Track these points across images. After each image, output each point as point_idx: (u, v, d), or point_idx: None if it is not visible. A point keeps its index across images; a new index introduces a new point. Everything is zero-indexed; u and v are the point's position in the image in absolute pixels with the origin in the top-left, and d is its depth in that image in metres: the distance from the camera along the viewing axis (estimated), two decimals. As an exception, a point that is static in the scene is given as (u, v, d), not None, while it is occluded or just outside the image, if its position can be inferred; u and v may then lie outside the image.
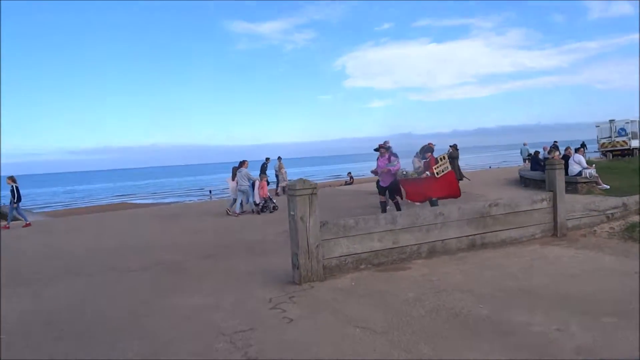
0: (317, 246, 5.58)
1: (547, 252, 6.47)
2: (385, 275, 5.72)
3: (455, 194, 10.57)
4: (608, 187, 13.39)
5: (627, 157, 29.20)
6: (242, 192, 13.68)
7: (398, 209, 10.23)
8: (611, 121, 31.38)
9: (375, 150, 10.64)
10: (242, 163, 13.94)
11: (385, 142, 10.76)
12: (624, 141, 30.65)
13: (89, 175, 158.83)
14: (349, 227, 5.86)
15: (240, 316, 4.57)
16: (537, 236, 7.20)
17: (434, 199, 10.58)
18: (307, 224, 5.52)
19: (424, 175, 11.10)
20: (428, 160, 10.76)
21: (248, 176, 13.74)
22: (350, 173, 28.87)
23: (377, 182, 10.82)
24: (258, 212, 13.56)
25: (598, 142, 32.85)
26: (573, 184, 13.58)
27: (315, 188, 5.61)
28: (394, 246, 6.15)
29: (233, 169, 14.11)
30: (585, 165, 13.69)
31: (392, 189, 10.47)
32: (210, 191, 40.68)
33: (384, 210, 10.22)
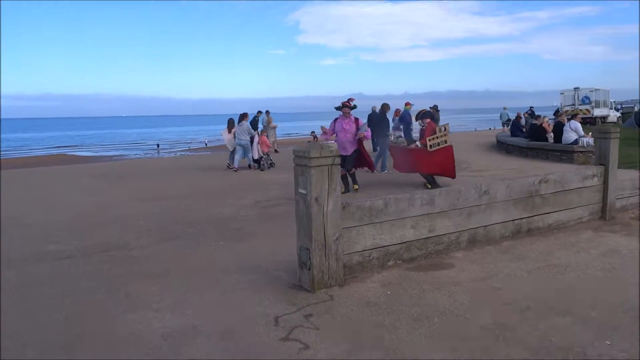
0: (336, 238, 3.92)
1: (610, 242, 5.14)
2: (426, 277, 4.18)
3: (449, 173, 9.04)
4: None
5: (587, 125, 29.10)
6: (242, 146, 13.21)
7: (354, 181, 8.97)
8: (576, 89, 31.05)
9: (337, 108, 8.66)
10: (243, 116, 13.32)
11: (349, 100, 8.65)
12: (587, 109, 30.45)
13: (27, 123, 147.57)
14: (376, 211, 4.23)
15: (235, 354, 2.91)
16: (584, 219, 5.87)
17: (423, 173, 9.18)
18: (325, 208, 3.83)
19: (413, 145, 9.63)
20: (424, 127, 9.21)
21: (249, 130, 13.29)
22: (314, 132, 26.89)
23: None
24: (259, 168, 13.30)
25: (560, 109, 32.66)
26: (569, 153, 12.57)
27: (337, 157, 3.90)
28: (430, 235, 4.59)
29: (229, 120, 13.70)
30: (582, 132, 12.65)
31: (353, 159, 8.60)
32: (158, 145, 37.83)
33: (345, 189, 8.53)
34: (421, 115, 9.49)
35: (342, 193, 7.52)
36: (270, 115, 19.46)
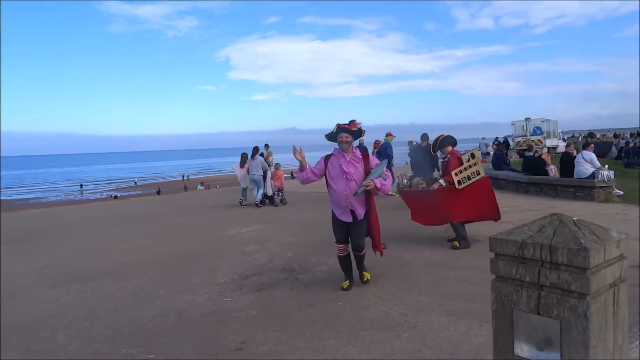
0: None
1: None
2: None
3: (491, 214, 6.82)
4: (622, 192, 10.84)
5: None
6: (255, 182, 12.67)
7: (361, 267, 5.21)
8: (527, 119, 30.86)
9: (330, 138, 4.98)
10: (255, 150, 12.90)
11: (351, 123, 4.93)
12: (539, 140, 30.22)
13: None
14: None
15: None
16: None
17: (455, 222, 6.71)
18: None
19: (436, 185, 6.98)
20: (447, 159, 6.91)
21: (263, 165, 12.71)
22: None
23: (333, 216, 5.03)
24: (272, 204, 12.71)
25: (513, 140, 32.33)
26: (587, 189, 10.83)
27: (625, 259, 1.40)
28: None
29: (242, 155, 13.26)
30: (598, 164, 11.04)
31: (363, 229, 5.02)
32: (81, 185, 33.23)
33: (349, 277, 5.16)
34: (440, 143, 7.11)
35: (345, 288, 5.04)
36: (269, 149, 16.85)
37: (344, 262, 5.12)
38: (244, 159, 13.07)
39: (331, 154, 4.95)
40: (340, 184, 4.81)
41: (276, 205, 12.56)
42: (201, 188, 24.48)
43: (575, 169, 11.25)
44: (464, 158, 6.76)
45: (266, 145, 16.73)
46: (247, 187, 13.21)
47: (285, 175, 14.82)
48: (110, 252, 7.59)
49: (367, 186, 4.71)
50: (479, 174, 6.68)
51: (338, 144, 4.90)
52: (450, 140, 7.12)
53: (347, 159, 4.83)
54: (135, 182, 30.81)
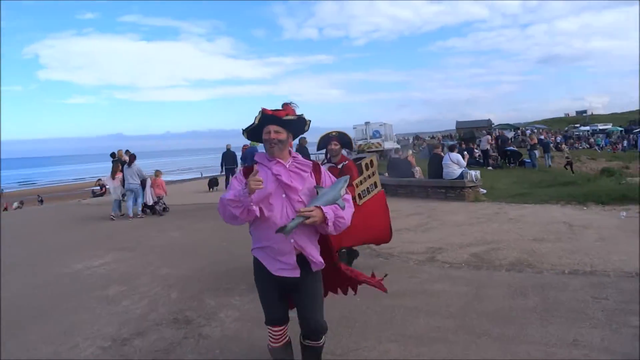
0: None
1: None
2: None
3: (385, 234, 5.54)
4: (485, 191, 11.37)
5: (381, 157, 30.36)
6: (131, 191, 11.69)
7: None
8: (367, 123, 32.38)
9: (249, 134, 2.88)
10: (132, 157, 11.79)
11: (287, 106, 2.90)
12: (378, 143, 31.91)
13: None
14: None
15: None
16: None
17: (345, 249, 5.42)
18: None
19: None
20: (342, 165, 5.26)
21: (139, 173, 11.66)
22: (100, 180, 20.43)
23: (260, 271, 2.84)
24: (154, 214, 11.73)
25: (355, 144, 33.67)
26: (457, 190, 11.06)
27: None
28: None
29: (113, 163, 12.19)
30: (464, 164, 11.37)
31: (317, 292, 2.88)
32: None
33: None
34: (323, 141, 5.29)
35: None
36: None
37: (283, 355, 2.94)
38: (115, 167, 12.04)
39: (252, 164, 2.78)
40: (278, 208, 2.71)
41: (161, 215, 11.69)
42: (18, 205, 19.85)
43: (444, 170, 11.45)
44: (365, 165, 5.60)
45: (127, 152, 14.45)
46: (120, 200, 12.13)
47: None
48: None
49: (307, 217, 2.60)
50: (376, 186, 5.54)
51: (264, 144, 2.81)
52: (345, 140, 5.35)
53: (287, 166, 2.79)
54: None
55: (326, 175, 2.92)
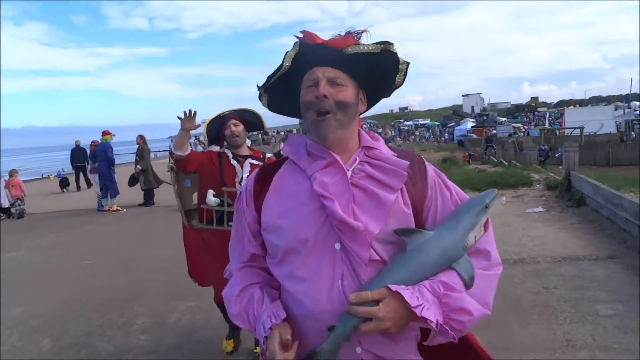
0: None
1: None
2: None
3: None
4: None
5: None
6: None
7: None
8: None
9: (268, 102, 1.29)
10: None
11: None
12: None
13: None
14: None
15: None
16: None
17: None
18: None
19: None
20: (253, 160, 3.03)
21: None
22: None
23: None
24: (15, 217, 10.38)
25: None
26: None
27: None
28: None
29: None
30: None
31: None
32: None
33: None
34: (212, 125, 3.05)
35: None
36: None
37: None
38: None
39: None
40: (323, 274, 1.13)
41: (18, 218, 10.45)
42: None
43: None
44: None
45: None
46: None
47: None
48: None
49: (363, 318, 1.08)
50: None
51: (305, 118, 1.20)
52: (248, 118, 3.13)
53: (349, 173, 1.17)
54: None
55: (443, 189, 1.25)
